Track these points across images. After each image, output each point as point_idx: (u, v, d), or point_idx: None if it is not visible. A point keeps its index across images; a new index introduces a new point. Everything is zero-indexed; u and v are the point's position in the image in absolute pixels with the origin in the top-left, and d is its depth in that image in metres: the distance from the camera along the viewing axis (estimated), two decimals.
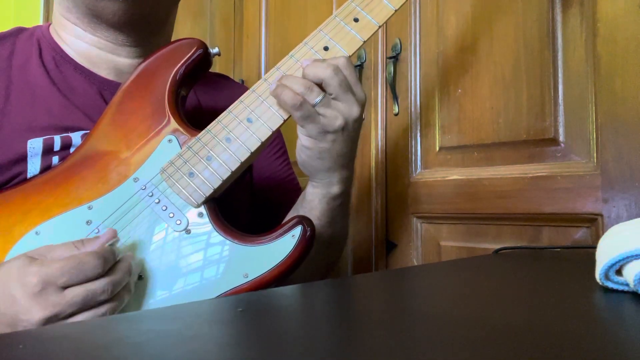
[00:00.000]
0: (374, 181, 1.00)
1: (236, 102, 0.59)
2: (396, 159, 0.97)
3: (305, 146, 0.59)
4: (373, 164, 1.00)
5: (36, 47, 0.67)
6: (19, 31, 0.69)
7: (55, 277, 0.46)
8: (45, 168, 0.60)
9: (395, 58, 0.96)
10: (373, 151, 1.00)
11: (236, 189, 0.64)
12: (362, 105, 0.59)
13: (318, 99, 0.56)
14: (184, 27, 1.49)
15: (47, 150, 0.60)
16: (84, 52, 0.67)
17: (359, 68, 1.02)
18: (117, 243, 0.53)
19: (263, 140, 0.58)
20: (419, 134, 0.94)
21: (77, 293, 0.47)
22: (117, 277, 0.50)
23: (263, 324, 0.29)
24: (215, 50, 0.65)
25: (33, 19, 1.76)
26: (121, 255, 0.52)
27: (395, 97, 0.97)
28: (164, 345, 0.25)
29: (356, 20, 0.61)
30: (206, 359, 0.23)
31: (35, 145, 0.60)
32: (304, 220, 0.56)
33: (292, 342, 0.26)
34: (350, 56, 0.60)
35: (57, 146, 0.61)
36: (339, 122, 0.57)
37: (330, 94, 0.57)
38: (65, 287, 0.47)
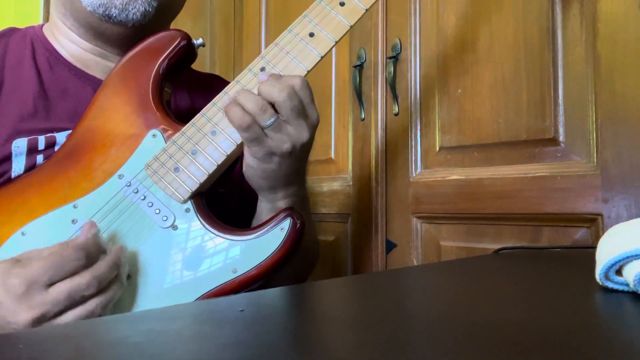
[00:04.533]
0: (374, 181, 1.00)
1: (220, 93, 0.58)
2: (396, 159, 0.97)
3: (249, 165, 0.57)
4: (373, 164, 1.00)
5: (29, 48, 0.66)
6: (11, 31, 0.69)
7: (37, 276, 0.46)
8: (30, 167, 0.59)
9: (395, 58, 0.96)
10: (373, 151, 1.00)
11: (224, 183, 0.63)
12: (314, 128, 0.56)
13: (270, 121, 0.53)
14: (184, 27, 1.48)
15: (32, 150, 0.60)
16: (78, 56, 0.67)
17: (359, 68, 1.02)
18: (97, 232, 0.52)
19: None
20: (419, 134, 0.94)
21: (61, 289, 0.46)
22: (102, 269, 0.49)
23: (263, 324, 0.29)
24: (200, 41, 0.63)
25: (33, 18, 1.76)
26: (108, 248, 0.51)
27: (395, 97, 0.97)
28: (164, 345, 0.25)
29: (342, 4, 0.59)
30: (206, 359, 0.23)
31: (20, 145, 0.60)
32: (293, 213, 0.54)
33: (292, 342, 0.26)
34: (337, 42, 0.58)
35: (41, 145, 0.60)
36: (286, 146, 0.54)
37: (282, 117, 0.54)
38: (49, 285, 0.46)
